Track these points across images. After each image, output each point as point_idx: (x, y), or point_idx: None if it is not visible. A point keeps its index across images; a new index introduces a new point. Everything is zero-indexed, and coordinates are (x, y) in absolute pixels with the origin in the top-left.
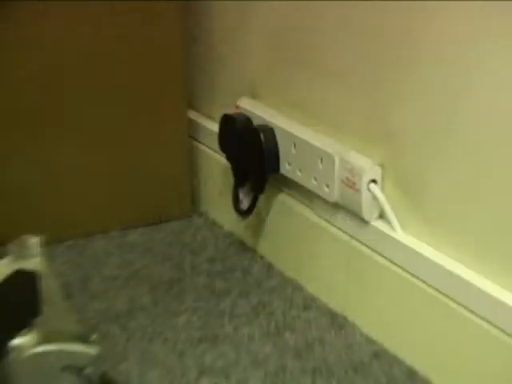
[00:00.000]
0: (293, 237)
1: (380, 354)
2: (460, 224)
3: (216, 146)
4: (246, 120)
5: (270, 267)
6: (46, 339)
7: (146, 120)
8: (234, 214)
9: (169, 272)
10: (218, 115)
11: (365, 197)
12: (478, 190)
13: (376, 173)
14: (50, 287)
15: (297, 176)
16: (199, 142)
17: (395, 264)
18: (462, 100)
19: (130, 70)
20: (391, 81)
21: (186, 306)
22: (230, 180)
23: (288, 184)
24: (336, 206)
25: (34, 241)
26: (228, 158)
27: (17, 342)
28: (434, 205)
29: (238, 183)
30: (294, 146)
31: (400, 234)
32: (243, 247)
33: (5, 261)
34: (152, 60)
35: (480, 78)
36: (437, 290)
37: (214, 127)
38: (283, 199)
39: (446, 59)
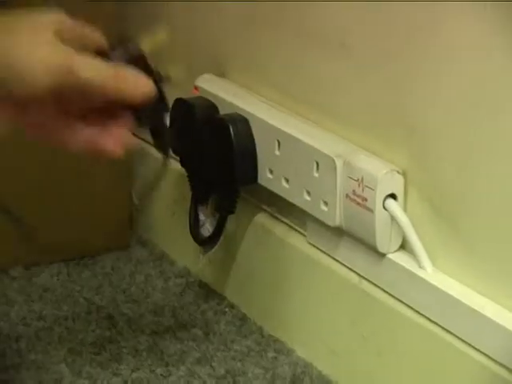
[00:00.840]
0: (276, 276)
1: None
2: None
3: None
4: (209, 107)
5: (243, 320)
6: None
7: None
8: (191, 244)
9: (95, 328)
10: (170, 100)
11: (380, 219)
12: None
13: (396, 184)
14: None
15: (282, 188)
16: (141, 138)
17: (423, 315)
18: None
19: None
20: (419, 56)
21: (121, 378)
22: (187, 194)
23: (269, 200)
24: (338, 232)
25: None
26: (183, 163)
27: None
28: (477, 231)
29: (198, 199)
30: (279, 144)
31: (430, 273)
32: (205, 291)
33: None
34: None
35: None
36: (486, 355)
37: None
38: (262, 222)
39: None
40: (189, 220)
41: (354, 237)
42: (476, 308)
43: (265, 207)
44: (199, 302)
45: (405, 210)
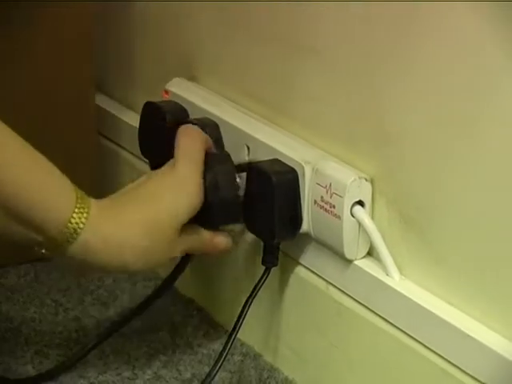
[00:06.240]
0: (243, 281)
1: None
2: (486, 270)
3: (137, 148)
4: (179, 111)
5: (210, 324)
6: None
7: (35, 107)
8: None
9: (63, 330)
10: (140, 103)
11: (347, 225)
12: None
13: (364, 192)
14: None
15: None
16: (112, 141)
17: (390, 323)
18: (490, 97)
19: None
20: (391, 63)
21: (88, 381)
22: None
23: None
24: (305, 239)
25: None
26: (153, 167)
27: None
28: (444, 240)
29: None
30: (248, 149)
31: (397, 280)
32: (172, 295)
33: None
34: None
35: None
36: (453, 364)
37: (134, 120)
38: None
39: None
40: None
41: (322, 243)
42: (442, 316)
43: None
44: (166, 305)
45: (372, 217)
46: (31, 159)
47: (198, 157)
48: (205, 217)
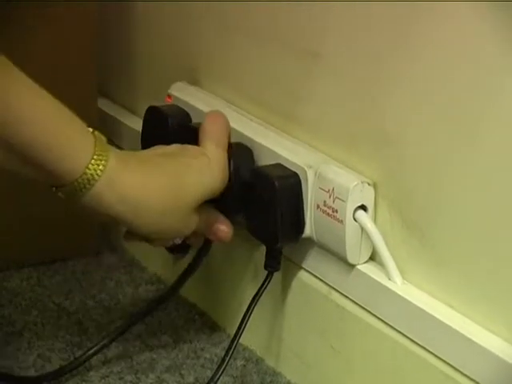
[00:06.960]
0: (246, 285)
1: None
2: (487, 273)
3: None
4: (182, 115)
5: (213, 328)
6: None
7: None
8: (162, 251)
9: (64, 335)
10: (142, 107)
11: (350, 230)
12: None
13: (366, 196)
14: None
15: None
16: (114, 145)
17: (392, 327)
18: (490, 97)
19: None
20: (392, 64)
21: None
22: None
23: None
24: (308, 243)
25: None
26: None
27: None
28: (447, 245)
29: None
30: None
31: (399, 285)
32: (175, 298)
33: None
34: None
35: None
36: (454, 368)
37: (137, 125)
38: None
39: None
40: None
41: (324, 247)
42: (444, 321)
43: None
44: (169, 309)
45: (375, 221)
46: (48, 104)
47: (225, 142)
48: (223, 200)
